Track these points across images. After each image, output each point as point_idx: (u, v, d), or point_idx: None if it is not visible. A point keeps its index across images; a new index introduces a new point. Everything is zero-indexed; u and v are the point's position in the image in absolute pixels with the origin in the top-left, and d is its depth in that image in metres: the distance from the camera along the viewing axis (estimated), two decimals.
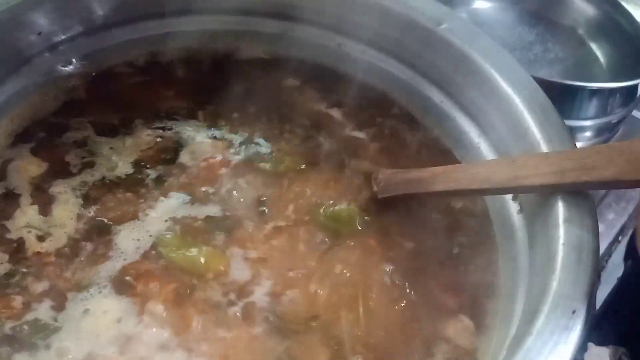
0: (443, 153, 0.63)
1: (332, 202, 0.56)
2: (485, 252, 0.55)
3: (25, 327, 0.46)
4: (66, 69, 0.62)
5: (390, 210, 0.56)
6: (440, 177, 0.51)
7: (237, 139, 0.61)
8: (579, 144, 0.81)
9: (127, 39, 0.64)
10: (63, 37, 0.60)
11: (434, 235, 0.55)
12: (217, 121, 0.62)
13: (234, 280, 0.50)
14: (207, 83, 0.65)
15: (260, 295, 0.49)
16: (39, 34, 0.57)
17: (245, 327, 0.47)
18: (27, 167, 0.56)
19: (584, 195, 0.45)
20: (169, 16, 0.65)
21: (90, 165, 0.57)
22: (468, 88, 0.59)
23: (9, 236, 0.51)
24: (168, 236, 0.52)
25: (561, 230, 0.44)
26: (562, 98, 0.74)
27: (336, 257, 0.52)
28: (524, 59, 0.85)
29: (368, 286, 0.51)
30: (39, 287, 0.48)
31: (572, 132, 0.80)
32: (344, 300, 0.50)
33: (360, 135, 0.64)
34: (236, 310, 0.48)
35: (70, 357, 0.45)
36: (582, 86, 0.76)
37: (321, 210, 0.55)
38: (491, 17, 0.91)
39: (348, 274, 0.51)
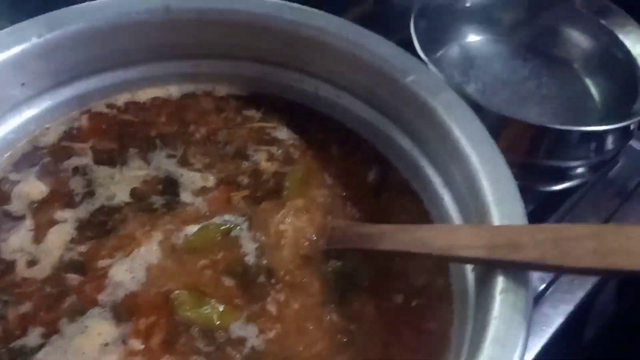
0: (411, 196, 0.63)
1: None
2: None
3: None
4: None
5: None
6: (387, 236, 0.51)
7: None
8: (572, 183, 0.82)
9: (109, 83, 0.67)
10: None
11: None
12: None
13: None
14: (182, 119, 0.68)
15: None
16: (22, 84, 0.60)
17: None
18: (30, 191, 0.59)
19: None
20: (147, 62, 0.67)
21: (91, 194, 0.59)
22: (432, 140, 0.60)
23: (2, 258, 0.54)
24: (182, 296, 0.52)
25: (496, 303, 0.45)
26: (552, 140, 0.73)
27: None
28: (516, 95, 0.84)
29: None
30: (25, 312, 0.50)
31: (567, 172, 0.79)
32: None
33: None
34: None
35: None
36: (573, 130, 0.74)
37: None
38: (485, 51, 0.90)
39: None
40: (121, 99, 0.68)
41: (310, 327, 0.52)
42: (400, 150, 0.64)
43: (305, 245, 0.57)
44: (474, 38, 0.91)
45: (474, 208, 0.54)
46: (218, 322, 0.52)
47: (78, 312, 0.51)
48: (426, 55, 0.74)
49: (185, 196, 0.60)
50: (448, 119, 0.56)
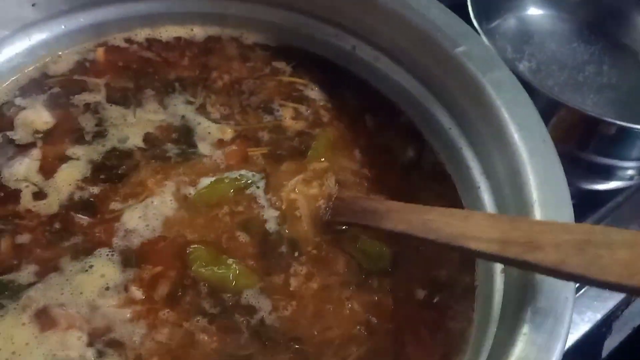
0: (444, 180, 0.57)
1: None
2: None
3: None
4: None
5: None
6: (394, 215, 0.46)
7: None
8: (619, 184, 0.75)
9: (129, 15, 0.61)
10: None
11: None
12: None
13: None
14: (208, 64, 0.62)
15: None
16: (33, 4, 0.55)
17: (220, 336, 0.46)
18: (35, 120, 0.55)
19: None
20: None
21: (102, 134, 0.55)
22: (477, 121, 0.53)
23: (5, 184, 0.51)
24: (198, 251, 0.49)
25: (527, 316, 0.40)
26: (606, 135, 0.66)
27: None
28: (572, 80, 0.76)
29: None
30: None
31: (615, 171, 0.72)
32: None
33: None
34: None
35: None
36: (631, 128, 0.66)
37: None
38: (545, 27, 0.81)
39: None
40: (141, 35, 0.63)
41: (329, 311, 0.48)
42: (438, 126, 0.58)
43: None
44: (534, 11, 0.82)
45: (513, 204, 0.48)
46: (233, 284, 0.48)
47: (83, 252, 0.48)
48: (479, 23, 0.66)
49: (202, 147, 0.55)
50: (498, 99, 0.50)
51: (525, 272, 0.43)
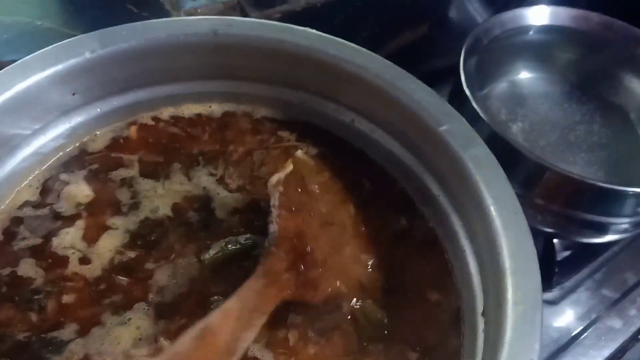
0: (435, 245, 0.63)
1: None
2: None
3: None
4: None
5: None
6: None
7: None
8: (616, 236, 0.78)
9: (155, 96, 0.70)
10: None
11: None
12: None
13: None
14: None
15: None
16: (73, 94, 0.64)
17: None
18: (77, 194, 0.63)
19: None
20: (192, 79, 0.70)
21: (136, 205, 0.63)
22: (460, 191, 0.59)
23: (54, 251, 0.58)
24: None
25: None
26: (595, 195, 0.70)
27: None
28: (563, 139, 0.81)
29: None
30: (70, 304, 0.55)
31: (609, 226, 0.76)
32: None
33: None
34: None
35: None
36: (618, 190, 0.70)
37: None
38: (536, 89, 0.87)
39: None
40: (166, 113, 0.71)
41: None
42: (429, 194, 0.64)
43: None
44: (526, 75, 0.88)
45: (491, 270, 0.53)
46: None
47: (122, 307, 0.55)
48: (472, 91, 0.73)
49: (219, 214, 0.63)
50: (477, 175, 0.56)
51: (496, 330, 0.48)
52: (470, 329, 0.56)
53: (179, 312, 0.55)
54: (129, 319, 0.55)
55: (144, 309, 0.55)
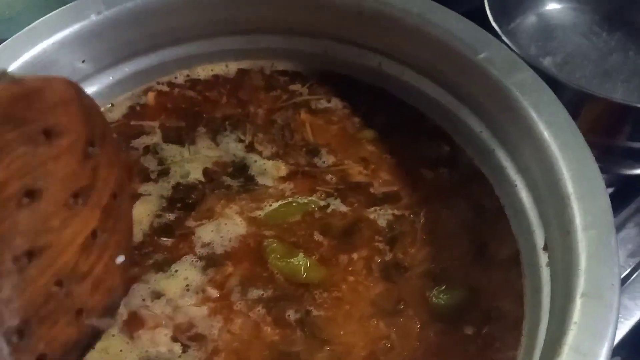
0: (480, 182, 0.60)
1: None
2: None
3: None
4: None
5: None
6: None
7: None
8: None
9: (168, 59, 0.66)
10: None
11: None
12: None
13: None
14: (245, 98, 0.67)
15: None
16: (83, 61, 0.61)
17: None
18: None
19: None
20: (204, 38, 0.66)
21: (165, 172, 0.60)
22: (505, 123, 0.55)
23: None
24: (274, 244, 0.55)
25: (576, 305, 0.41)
26: (635, 120, 0.66)
27: None
28: (599, 70, 0.77)
29: None
30: None
31: None
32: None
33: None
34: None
35: None
36: None
37: None
38: (565, 20, 0.82)
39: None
40: (181, 77, 0.68)
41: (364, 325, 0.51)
42: (469, 131, 0.60)
43: None
44: (553, 6, 0.83)
45: (551, 199, 0.49)
46: (304, 275, 0.53)
47: (167, 264, 0.54)
48: (499, 26, 0.68)
49: (262, 180, 0.60)
50: (524, 101, 0.52)
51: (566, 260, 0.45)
52: (531, 267, 0.52)
53: (226, 262, 0.54)
54: (176, 271, 0.53)
55: (191, 261, 0.54)
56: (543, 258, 0.51)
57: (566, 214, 0.46)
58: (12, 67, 0.55)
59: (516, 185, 0.56)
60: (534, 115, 0.51)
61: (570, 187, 0.47)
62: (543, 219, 0.52)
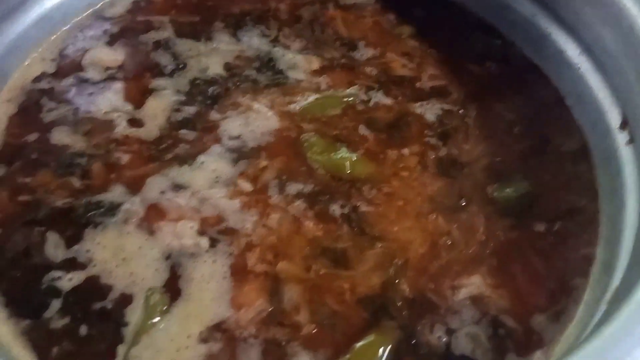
0: (534, 72, 0.54)
1: None
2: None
3: None
4: None
5: None
6: None
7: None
8: None
9: None
10: None
11: None
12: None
13: None
14: None
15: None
16: None
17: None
18: (103, 58, 0.54)
19: None
20: None
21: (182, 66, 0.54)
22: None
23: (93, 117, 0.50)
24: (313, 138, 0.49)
25: None
26: None
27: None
28: None
29: None
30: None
31: None
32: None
33: None
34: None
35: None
36: None
37: None
38: None
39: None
40: None
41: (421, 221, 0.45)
42: (519, 18, 0.55)
43: None
44: None
45: (630, 66, 0.44)
46: (348, 171, 0.47)
47: (191, 156, 0.47)
48: None
49: (294, 74, 0.54)
50: None
51: None
52: (605, 152, 0.47)
53: (259, 156, 0.48)
54: (202, 163, 0.47)
55: (218, 152, 0.48)
56: (621, 138, 0.46)
57: None
58: None
59: (579, 68, 0.50)
60: None
61: None
62: (617, 95, 0.47)
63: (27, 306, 0.39)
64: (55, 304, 0.39)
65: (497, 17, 0.56)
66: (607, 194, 0.46)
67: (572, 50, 0.51)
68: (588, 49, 0.50)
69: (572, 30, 0.51)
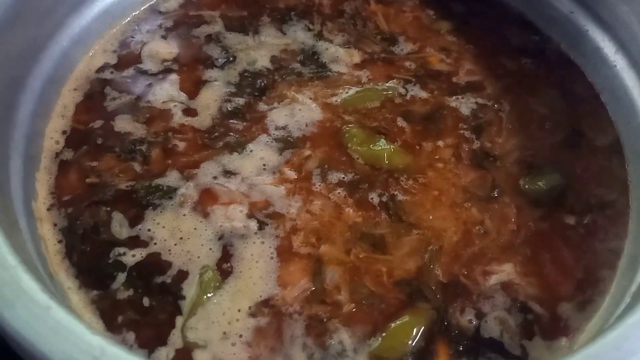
0: (570, 68, 0.55)
1: None
2: None
3: None
4: None
5: None
6: None
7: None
8: None
9: None
10: None
11: None
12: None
13: None
14: None
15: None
16: None
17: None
18: (160, 50, 0.57)
19: None
20: None
21: (231, 59, 0.57)
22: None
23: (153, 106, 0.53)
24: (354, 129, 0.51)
25: None
26: None
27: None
28: None
29: None
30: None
31: None
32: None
33: None
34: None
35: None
36: None
37: None
38: None
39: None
40: None
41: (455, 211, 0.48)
42: (557, 14, 0.56)
43: None
44: None
45: None
46: (386, 162, 0.50)
47: (240, 145, 0.50)
48: None
49: (336, 67, 0.56)
50: None
51: None
52: (637, 147, 0.49)
53: (304, 146, 0.51)
54: (251, 151, 0.50)
55: (266, 141, 0.51)
56: None
57: None
58: None
59: (616, 66, 0.51)
60: None
61: None
62: None
63: (96, 278, 0.43)
64: (121, 277, 0.43)
65: (536, 13, 0.58)
66: (638, 189, 0.48)
67: (608, 48, 0.52)
68: (624, 47, 0.51)
69: (609, 28, 0.52)
